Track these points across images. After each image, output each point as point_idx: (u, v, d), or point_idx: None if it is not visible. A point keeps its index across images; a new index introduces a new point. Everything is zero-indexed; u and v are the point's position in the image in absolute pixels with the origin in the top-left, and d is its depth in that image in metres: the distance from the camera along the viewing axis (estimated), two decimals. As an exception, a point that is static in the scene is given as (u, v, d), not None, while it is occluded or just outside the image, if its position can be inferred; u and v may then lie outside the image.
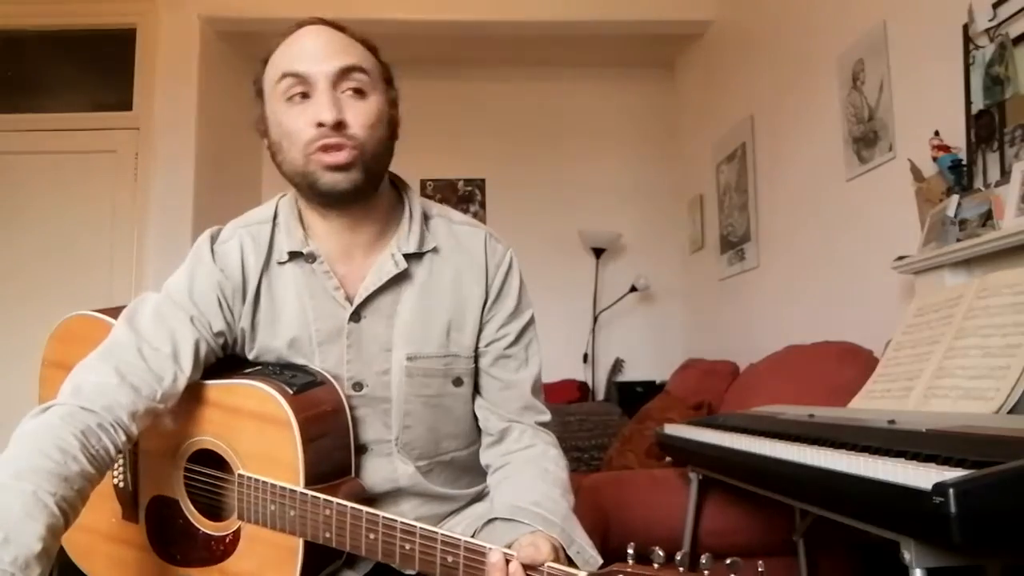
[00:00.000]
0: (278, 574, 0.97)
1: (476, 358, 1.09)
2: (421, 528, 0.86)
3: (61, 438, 0.85)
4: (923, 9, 2.16)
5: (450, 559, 0.84)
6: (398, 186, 1.12)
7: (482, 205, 4.45)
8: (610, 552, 2.06)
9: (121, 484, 1.09)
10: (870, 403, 1.56)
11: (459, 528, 1.08)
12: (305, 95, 0.97)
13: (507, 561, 0.81)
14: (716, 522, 1.96)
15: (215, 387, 1.03)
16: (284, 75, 0.98)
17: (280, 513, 0.94)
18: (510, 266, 1.12)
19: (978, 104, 1.88)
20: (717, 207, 3.74)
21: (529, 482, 1.02)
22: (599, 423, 3.28)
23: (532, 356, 1.12)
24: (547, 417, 1.13)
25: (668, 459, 2.06)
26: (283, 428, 0.95)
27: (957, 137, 1.94)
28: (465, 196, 4.45)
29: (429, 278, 1.06)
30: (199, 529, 1.05)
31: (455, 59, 4.29)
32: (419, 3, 3.79)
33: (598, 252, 4.25)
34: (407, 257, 1.04)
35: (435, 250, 1.08)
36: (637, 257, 4.38)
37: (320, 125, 0.95)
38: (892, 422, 1.18)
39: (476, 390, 1.11)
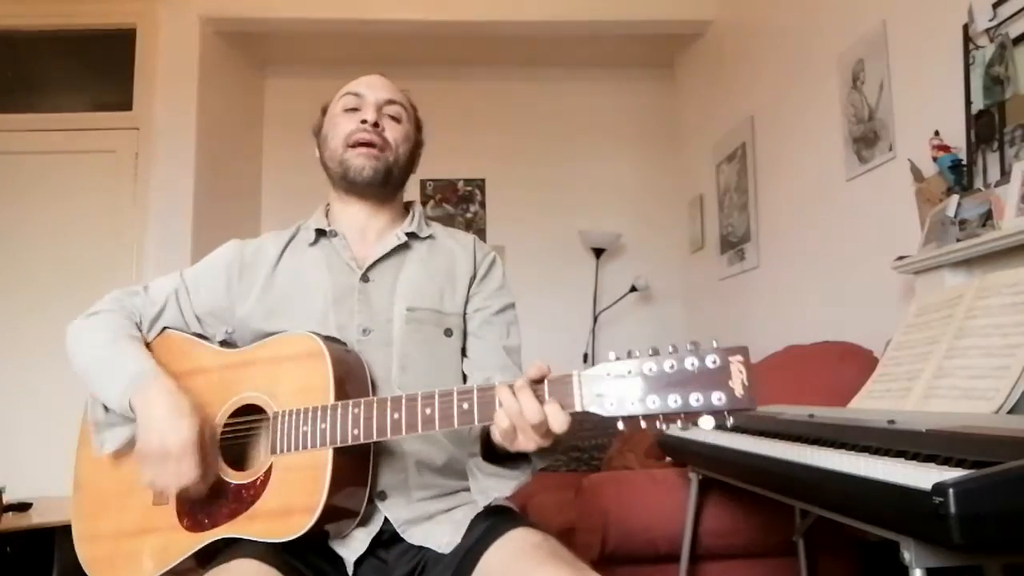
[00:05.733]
0: (307, 495, 1.02)
1: (464, 320, 1.27)
2: (440, 390, 0.98)
3: (122, 318, 1.22)
4: (923, 9, 2.16)
5: (465, 406, 0.95)
6: (408, 206, 1.37)
7: (482, 205, 4.45)
8: (610, 552, 2.06)
9: None
10: (870, 403, 1.56)
11: (459, 513, 1.15)
12: (356, 109, 1.27)
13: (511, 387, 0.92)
14: (716, 522, 1.96)
15: (251, 349, 1.17)
16: (346, 93, 1.29)
17: (312, 430, 1.04)
18: (494, 260, 1.34)
19: (978, 104, 1.88)
20: (717, 207, 3.74)
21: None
22: (599, 423, 3.27)
23: (513, 333, 1.30)
24: None
25: (668, 459, 2.06)
26: (317, 358, 1.08)
27: (957, 137, 1.94)
28: (465, 196, 4.45)
29: (428, 255, 1.29)
30: (230, 483, 1.09)
31: (455, 59, 4.29)
32: (419, 3, 3.79)
33: (598, 252, 4.24)
34: (409, 236, 1.28)
35: (432, 237, 1.32)
36: (637, 257, 4.38)
37: (363, 122, 1.24)
38: (892, 422, 1.18)
39: (464, 353, 1.27)
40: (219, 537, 1.07)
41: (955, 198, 1.84)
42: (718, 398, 0.82)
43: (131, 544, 1.12)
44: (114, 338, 1.17)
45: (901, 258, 1.98)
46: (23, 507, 2.39)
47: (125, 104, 3.73)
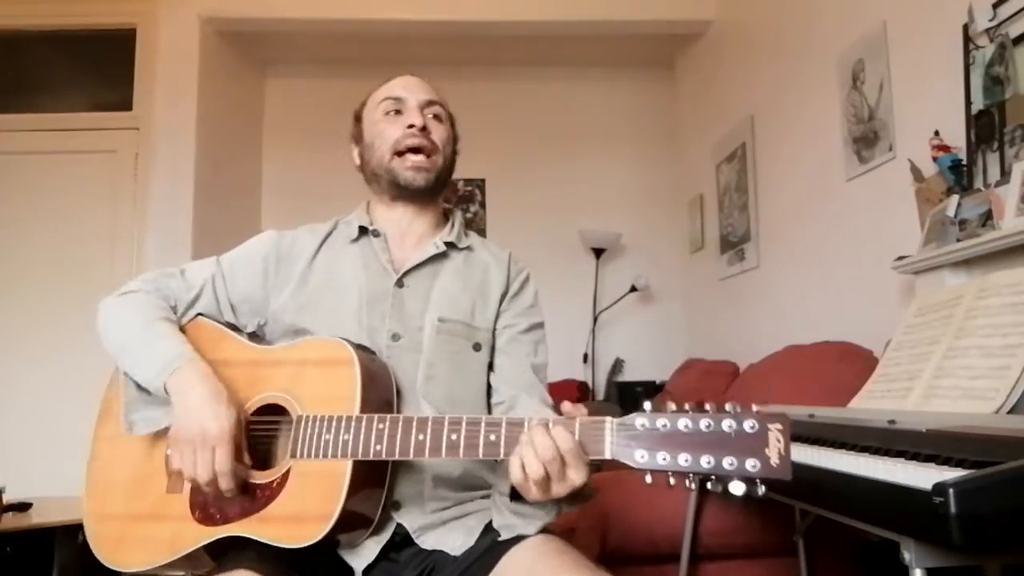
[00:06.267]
0: (323, 503, 1.01)
1: (494, 336, 1.26)
2: (467, 417, 0.96)
3: (157, 298, 1.20)
4: (923, 9, 2.16)
5: (492, 437, 0.94)
6: (448, 211, 1.38)
7: (482, 205, 4.45)
8: (610, 552, 2.06)
9: None
10: (870, 403, 1.56)
11: (473, 520, 1.15)
12: (399, 112, 1.27)
13: (546, 424, 0.90)
14: (716, 522, 1.96)
15: (281, 348, 1.17)
16: (386, 98, 1.28)
17: (334, 440, 1.03)
18: (527, 278, 1.34)
19: (978, 104, 1.88)
20: (717, 207, 3.74)
21: (541, 408, 1.18)
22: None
23: (540, 352, 1.29)
24: (551, 403, 1.23)
25: (668, 459, 2.06)
26: (346, 366, 1.07)
27: (957, 137, 1.94)
28: (465, 196, 4.45)
29: (463, 267, 1.29)
30: (245, 480, 1.08)
31: (455, 59, 4.29)
32: (419, 3, 3.79)
33: (598, 252, 4.25)
34: (447, 245, 1.28)
35: (470, 248, 1.31)
36: (637, 257, 4.38)
37: (410, 127, 1.24)
38: (892, 422, 1.18)
39: (491, 368, 1.25)
40: (229, 534, 1.06)
41: (955, 198, 1.84)
42: (752, 465, 0.80)
43: (141, 529, 1.11)
44: (148, 317, 1.15)
45: (901, 258, 1.98)
46: (23, 507, 2.38)
47: (125, 104, 3.73)
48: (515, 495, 1.04)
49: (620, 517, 1.96)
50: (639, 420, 0.86)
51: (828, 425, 1.31)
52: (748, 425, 0.81)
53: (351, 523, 1.05)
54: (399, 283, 1.23)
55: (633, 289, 4.19)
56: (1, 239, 3.60)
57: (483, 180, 4.46)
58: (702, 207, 3.95)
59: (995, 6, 1.83)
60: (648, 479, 0.85)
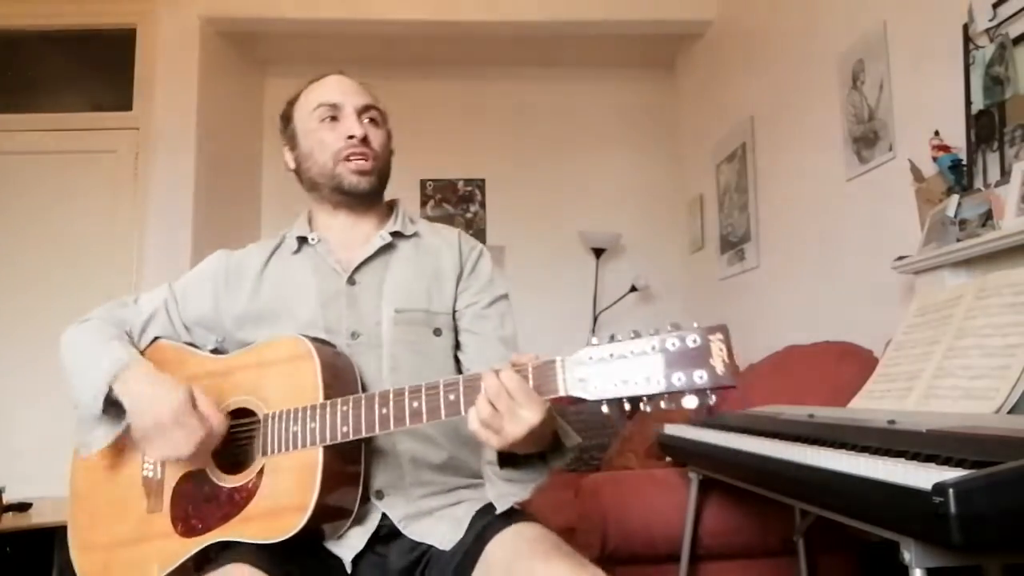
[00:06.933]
0: (299, 494, 1.03)
1: (454, 318, 1.26)
2: (426, 384, 0.98)
3: (111, 324, 1.22)
4: (923, 9, 2.16)
5: (452, 396, 0.96)
6: (391, 204, 1.36)
7: (482, 205, 4.45)
8: (610, 553, 2.06)
9: (151, 474, 1.15)
10: (870, 403, 1.56)
11: (460, 510, 1.15)
12: (335, 118, 1.24)
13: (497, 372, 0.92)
14: (716, 522, 1.96)
15: (241, 354, 1.18)
16: (320, 104, 1.26)
17: (302, 430, 1.04)
18: (481, 253, 1.32)
19: (978, 104, 1.88)
20: (717, 207, 3.74)
21: None
22: (599, 423, 3.28)
23: (507, 324, 1.28)
24: None
25: (668, 459, 2.06)
26: (305, 360, 1.09)
27: (957, 137, 1.94)
28: (465, 196, 4.45)
29: (414, 254, 1.28)
30: (223, 487, 1.09)
31: (455, 59, 4.29)
32: (420, 3, 3.79)
33: (598, 252, 4.24)
34: (393, 235, 1.27)
35: (417, 235, 1.30)
36: (637, 257, 4.37)
37: (350, 138, 1.22)
38: (892, 422, 1.18)
39: (458, 348, 1.26)
40: (213, 541, 1.07)
41: (955, 198, 1.84)
42: (699, 376, 0.82)
43: (127, 553, 1.12)
44: (99, 339, 1.18)
45: (901, 258, 1.98)
46: (23, 507, 2.39)
47: (125, 104, 3.73)
48: (503, 462, 1.05)
49: (620, 517, 1.96)
50: (588, 353, 0.89)
51: (828, 425, 1.31)
52: (690, 340, 0.83)
53: (331, 512, 1.06)
54: (350, 280, 1.22)
55: (633, 289, 4.19)
56: (1, 239, 3.59)
57: (483, 180, 4.45)
58: (702, 207, 3.95)
59: (995, 6, 1.83)
60: (605, 409, 0.87)
